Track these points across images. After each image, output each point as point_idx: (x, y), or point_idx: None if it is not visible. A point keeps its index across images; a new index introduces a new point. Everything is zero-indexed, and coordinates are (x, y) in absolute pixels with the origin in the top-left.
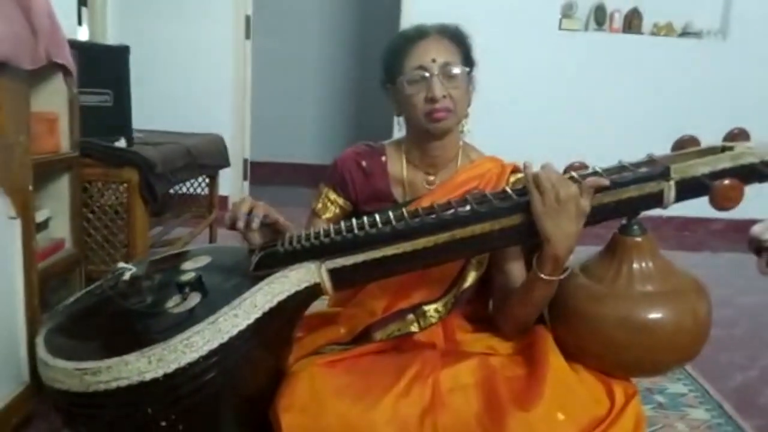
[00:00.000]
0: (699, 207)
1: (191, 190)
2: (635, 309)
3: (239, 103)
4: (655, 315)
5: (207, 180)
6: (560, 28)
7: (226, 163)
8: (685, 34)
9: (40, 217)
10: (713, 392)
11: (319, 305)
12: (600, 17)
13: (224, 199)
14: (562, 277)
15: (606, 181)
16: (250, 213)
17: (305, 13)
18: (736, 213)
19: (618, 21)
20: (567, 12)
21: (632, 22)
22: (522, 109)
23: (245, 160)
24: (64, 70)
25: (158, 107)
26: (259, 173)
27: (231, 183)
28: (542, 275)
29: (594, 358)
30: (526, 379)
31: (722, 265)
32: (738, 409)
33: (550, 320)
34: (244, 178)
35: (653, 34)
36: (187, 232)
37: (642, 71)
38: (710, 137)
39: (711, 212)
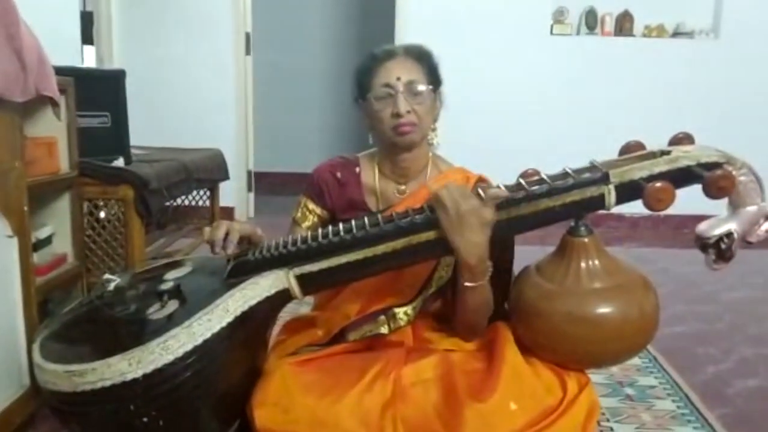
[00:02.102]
0: (696, 205)
1: (193, 202)
2: (582, 304)
3: (242, 117)
4: (601, 309)
5: (208, 193)
6: (551, 33)
7: (225, 177)
8: (677, 34)
9: (43, 233)
10: (682, 384)
11: (305, 310)
12: (591, 21)
13: (230, 210)
14: (482, 282)
15: (505, 193)
16: (226, 237)
17: (304, 26)
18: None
19: (609, 24)
20: (558, 17)
21: (623, 25)
22: (514, 115)
23: (249, 172)
24: (51, 101)
25: (163, 124)
26: (266, 183)
27: (236, 195)
28: (465, 283)
29: (548, 352)
30: (483, 373)
31: None
32: (705, 400)
33: (510, 317)
34: (249, 190)
35: (645, 35)
36: (188, 243)
37: (635, 73)
38: (704, 136)
39: (709, 210)
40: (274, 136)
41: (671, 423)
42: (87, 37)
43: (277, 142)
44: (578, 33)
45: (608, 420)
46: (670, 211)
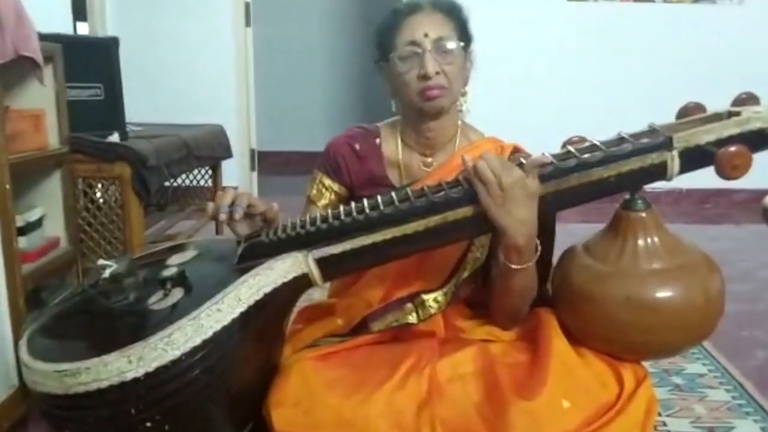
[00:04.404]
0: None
1: (194, 182)
2: (642, 287)
3: (243, 92)
4: (663, 293)
5: (210, 171)
6: (568, 0)
7: (227, 154)
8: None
9: (32, 216)
10: (734, 371)
11: (319, 295)
12: None
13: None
14: (531, 264)
15: (548, 158)
16: (232, 204)
17: None
18: (761, 183)
19: None
20: None
21: None
22: (531, 84)
23: (252, 150)
24: (33, 63)
25: (160, 101)
26: (269, 163)
27: (239, 174)
28: (511, 266)
29: (600, 342)
30: (528, 366)
31: (745, 237)
32: (760, 388)
33: (554, 303)
34: (252, 169)
35: (666, 1)
36: (191, 225)
37: (656, 41)
38: (729, 105)
39: (734, 183)
40: (276, 113)
41: (729, 415)
42: (80, 14)
43: (279, 120)
44: None
45: (660, 414)
46: (692, 185)
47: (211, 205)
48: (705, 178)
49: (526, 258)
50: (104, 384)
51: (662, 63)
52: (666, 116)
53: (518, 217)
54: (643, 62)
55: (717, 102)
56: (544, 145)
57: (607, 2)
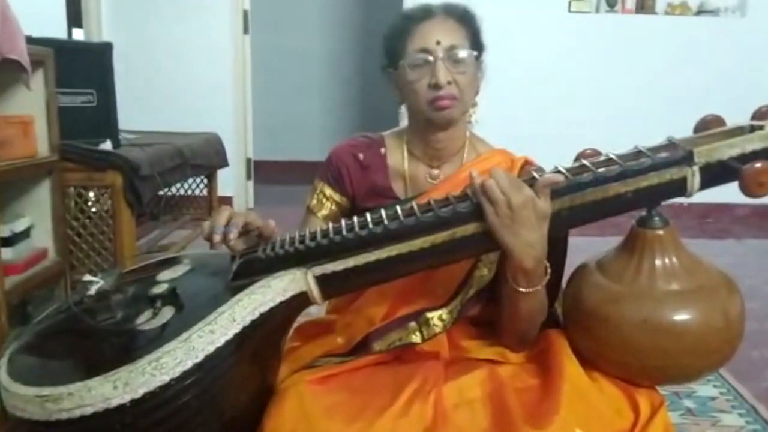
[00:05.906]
0: (722, 192)
1: (189, 191)
2: (659, 310)
3: (240, 100)
4: (681, 316)
5: (205, 180)
6: (570, 11)
7: (223, 163)
8: (701, 12)
9: (19, 226)
10: (746, 394)
11: (316, 311)
12: None
13: (228, 199)
14: (539, 287)
15: (560, 178)
16: (228, 224)
17: (306, 4)
18: (764, 198)
19: (630, 1)
20: None
21: (645, 2)
22: (532, 96)
23: (248, 160)
24: (20, 67)
25: (156, 109)
26: (265, 172)
27: (235, 183)
28: (519, 288)
29: (615, 366)
30: (539, 391)
31: (748, 253)
32: None
33: (565, 324)
34: (248, 178)
35: (667, 13)
36: (184, 235)
37: (657, 53)
38: (733, 119)
39: (735, 198)
40: (273, 122)
41: None
42: (76, 21)
43: (275, 128)
44: (597, 10)
45: None
46: (692, 199)
47: (206, 225)
48: (705, 192)
49: (535, 281)
50: (88, 410)
51: (664, 75)
52: (669, 127)
53: (526, 240)
54: (645, 74)
55: (718, 113)
56: (542, 158)
57: (609, 14)
